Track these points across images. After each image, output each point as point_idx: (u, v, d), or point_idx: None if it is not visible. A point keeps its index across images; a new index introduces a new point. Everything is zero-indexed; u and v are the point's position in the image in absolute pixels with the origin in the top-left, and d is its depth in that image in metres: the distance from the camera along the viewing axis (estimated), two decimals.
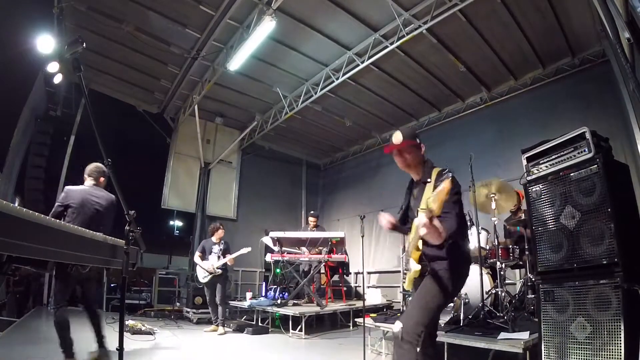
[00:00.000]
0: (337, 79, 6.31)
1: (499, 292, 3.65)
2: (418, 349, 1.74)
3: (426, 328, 1.79)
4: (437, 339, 3.11)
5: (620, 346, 2.03)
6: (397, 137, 2.08)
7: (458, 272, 1.94)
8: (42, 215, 1.15)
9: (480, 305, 3.49)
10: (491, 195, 4.05)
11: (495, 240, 3.87)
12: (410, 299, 2.18)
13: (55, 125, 6.74)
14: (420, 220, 1.63)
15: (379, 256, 8.12)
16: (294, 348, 4.53)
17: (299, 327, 4.98)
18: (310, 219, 6.91)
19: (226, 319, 5.43)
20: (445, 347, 3.11)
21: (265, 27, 4.82)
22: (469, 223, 4.27)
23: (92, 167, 3.27)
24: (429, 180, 2.01)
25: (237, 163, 9.10)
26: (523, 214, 4.34)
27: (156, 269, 7.85)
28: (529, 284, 3.77)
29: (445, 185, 1.55)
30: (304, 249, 6.24)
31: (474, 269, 3.78)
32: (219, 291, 5.30)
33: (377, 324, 3.94)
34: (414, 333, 1.75)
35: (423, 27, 5.02)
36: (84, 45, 1.75)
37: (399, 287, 6.82)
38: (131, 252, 1.75)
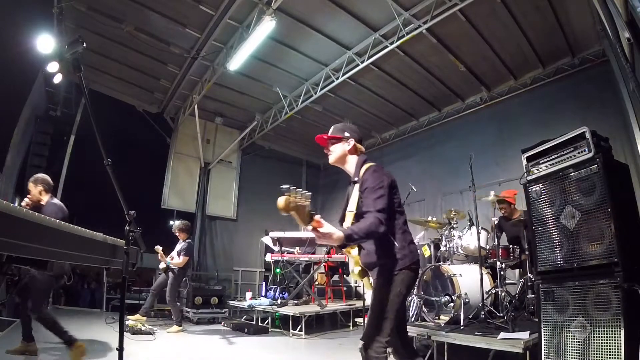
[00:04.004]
0: (337, 78, 6.31)
1: (499, 292, 3.64)
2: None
3: (387, 337, 1.78)
4: (437, 339, 3.14)
5: (620, 346, 2.03)
6: (330, 131, 2.10)
7: (400, 272, 1.85)
8: (42, 215, 1.15)
9: (480, 305, 3.49)
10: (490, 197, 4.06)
11: (495, 240, 3.87)
12: None
13: (55, 125, 6.72)
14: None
15: None
16: (294, 348, 4.53)
17: (299, 327, 4.98)
18: None
19: (182, 318, 5.34)
20: (445, 347, 3.11)
21: (265, 27, 4.82)
22: (468, 223, 4.28)
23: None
24: (356, 179, 1.97)
25: (237, 163, 9.10)
26: (522, 215, 4.34)
27: (156, 269, 7.85)
28: (529, 284, 3.77)
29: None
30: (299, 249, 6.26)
31: (474, 269, 3.79)
32: (167, 289, 5.23)
33: None
34: (376, 347, 1.76)
35: (423, 27, 5.02)
36: (84, 45, 1.75)
37: None
38: (131, 252, 1.75)
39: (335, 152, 2.07)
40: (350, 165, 2.07)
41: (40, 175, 3.39)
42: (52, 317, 2.98)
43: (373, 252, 1.92)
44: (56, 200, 3.32)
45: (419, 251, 3.82)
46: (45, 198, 3.27)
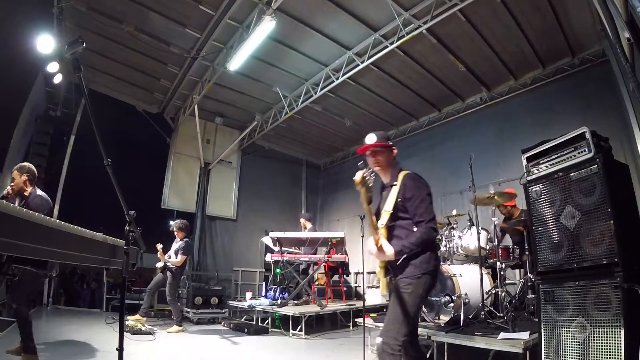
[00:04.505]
0: (337, 79, 6.31)
1: (499, 292, 3.64)
2: (401, 358, 1.85)
3: (405, 336, 1.87)
4: (438, 339, 3.14)
5: (620, 346, 2.03)
6: (371, 138, 2.21)
7: (423, 276, 1.97)
8: (42, 215, 1.15)
9: (480, 305, 3.49)
10: (491, 196, 4.05)
11: (495, 240, 3.87)
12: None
13: (55, 125, 6.73)
14: (369, 248, 1.92)
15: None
16: (294, 348, 4.53)
17: (299, 327, 4.98)
18: (301, 220, 7.03)
19: (182, 317, 5.32)
20: (445, 347, 3.11)
21: (265, 27, 4.82)
22: (468, 223, 4.29)
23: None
24: (395, 183, 2.12)
25: (237, 163, 9.10)
26: (523, 214, 4.34)
27: (156, 269, 7.87)
28: (529, 284, 3.77)
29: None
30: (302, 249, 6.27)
31: (474, 269, 3.79)
32: (166, 289, 5.24)
33: (377, 324, 3.93)
34: (394, 345, 1.85)
35: (423, 27, 5.02)
36: (84, 45, 1.75)
37: None
38: (131, 252, 1.75)
39: (383, 159, 2.20)
40: (389, 171, 2.22)
41: (27, 164, 3.32)
42: (29, 319, 2.96)
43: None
44: (41, 192, 3.26)
45: None
46: (29, 189, 3.22)
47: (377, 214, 2.20)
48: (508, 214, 4.64)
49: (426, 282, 1.97)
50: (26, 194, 3.20)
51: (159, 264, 5.34)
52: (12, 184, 3.21)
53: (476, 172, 3.86)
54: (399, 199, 2.06)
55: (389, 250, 1.92)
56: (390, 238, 2.04)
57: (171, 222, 6.29)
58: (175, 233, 5.56)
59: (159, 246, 5.33)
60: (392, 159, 2.24)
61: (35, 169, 3.33)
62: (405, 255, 1.94)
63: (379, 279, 2.09)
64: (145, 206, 5.93)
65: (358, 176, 1.77)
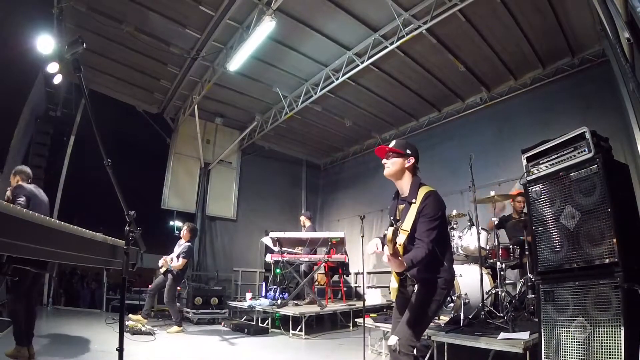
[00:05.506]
0: (337, 79, 6.31)
1: (499, 292, 3.64)
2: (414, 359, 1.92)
3: (419, 338, 1.96)
4: (438, 339, 3.14)
5: (620, 346, 2.03)
6: (392, 143, 2.19)
7: (442, 288, 2.04)
8: (42, 216, 1.15)
9: (480, 305, 3.49)
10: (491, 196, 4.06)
11: (495, 240, 3.87)
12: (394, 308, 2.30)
13: (55, 125, 6.73)
14: (385, 253, 1.79)
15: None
16: (294, 348, 4.53)
17: (299, 327, 4.98)
18: (301, 218, 7.02)
19: (181, 318, 5.32)
20: (445, 347, 3.11)
21: (265, 28, 4.82)
22: (468, 223, 4.29)
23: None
24: (414, 200, 2.03)
25: (237, 163, 9.10)
26: (523, 215, 4.34)
27: (156, 269, 7.87)
28: (529, 284, 3.77)
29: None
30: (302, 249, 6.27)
31: (474, 269, 3.79)
32: (165, 290, 5.25)
33: (377, 324, 3.94)
34: (409, 345, 1.90)
35: (423, 27, 5.02)
36: (84, 45, 1.75)
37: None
38: (131, 252, 1.75)
39: (394, 165, 2.13)
40: (405, 182, 2.14)
41: (20, 167, 3.40)
42: (20, 312, 2.95)
43: (423, 267, 1.99)
44: (27, 186, 3.28)
45: None
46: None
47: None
48: (521, 209, 4.60)
49: (444, 294, 2.05)
50: None
51: (162, 268, 5.35)
52: (9, 187, 3.26)
53: (476, 172, 3.86)
54: (416, 219, 2.00)
55: (401, 260, 1.86)
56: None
57: (176, 224, 6.29)
58: (183, 234, 5.58)
59: (167, 259, 5.36)
60: (407, 170, 2.14)
61: (28, 170, 3.38)
62: (411, 269, 1.96)
63: (392, 286, 2.14)
64: (145, 206, 5.91)
65: (390, 234, 1.70)
